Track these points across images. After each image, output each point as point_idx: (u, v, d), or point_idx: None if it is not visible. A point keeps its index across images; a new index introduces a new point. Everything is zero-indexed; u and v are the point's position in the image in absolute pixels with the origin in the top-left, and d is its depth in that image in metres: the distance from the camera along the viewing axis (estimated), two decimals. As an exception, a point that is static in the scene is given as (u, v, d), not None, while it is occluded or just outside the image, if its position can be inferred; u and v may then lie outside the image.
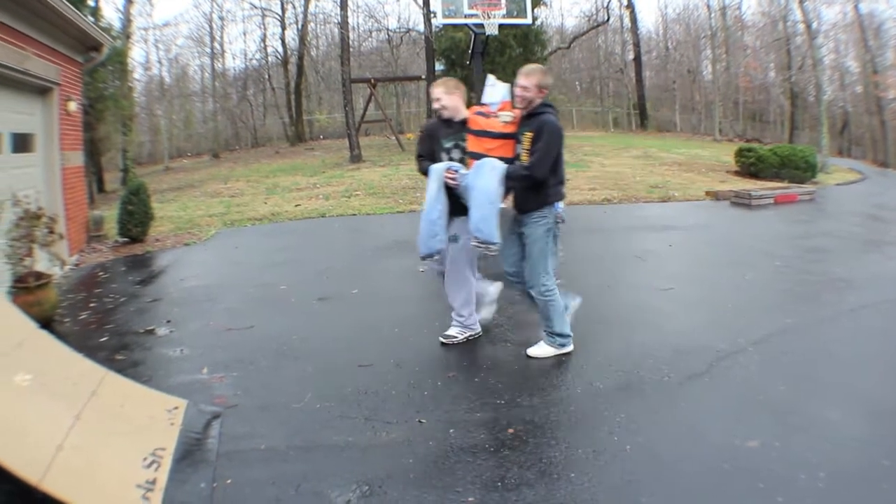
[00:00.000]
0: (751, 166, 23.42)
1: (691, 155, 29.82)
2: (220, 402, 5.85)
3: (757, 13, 54.18)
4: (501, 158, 6.22)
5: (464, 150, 6.54)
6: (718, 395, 5.67)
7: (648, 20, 74.31)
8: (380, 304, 8.52)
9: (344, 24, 33.20)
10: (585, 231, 12.79)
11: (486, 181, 6.03)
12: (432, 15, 30.92)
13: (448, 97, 6.68)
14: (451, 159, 6.61)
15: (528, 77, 6.21)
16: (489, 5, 15.92)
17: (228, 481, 4.53)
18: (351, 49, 35.82)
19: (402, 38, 49.85)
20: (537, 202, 6.28)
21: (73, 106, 13.34)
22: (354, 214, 16.69)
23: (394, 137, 37.45)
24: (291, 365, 6.64)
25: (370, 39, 51.80)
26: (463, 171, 6.34)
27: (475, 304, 7.04)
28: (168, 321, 8.36)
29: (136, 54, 48.02)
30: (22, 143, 11.54)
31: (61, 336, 6.72)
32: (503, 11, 16.00)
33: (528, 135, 6.18)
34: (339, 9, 34.91)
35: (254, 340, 7.45)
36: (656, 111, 54.86)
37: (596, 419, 5.19)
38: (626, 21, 55.09)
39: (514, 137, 6.34)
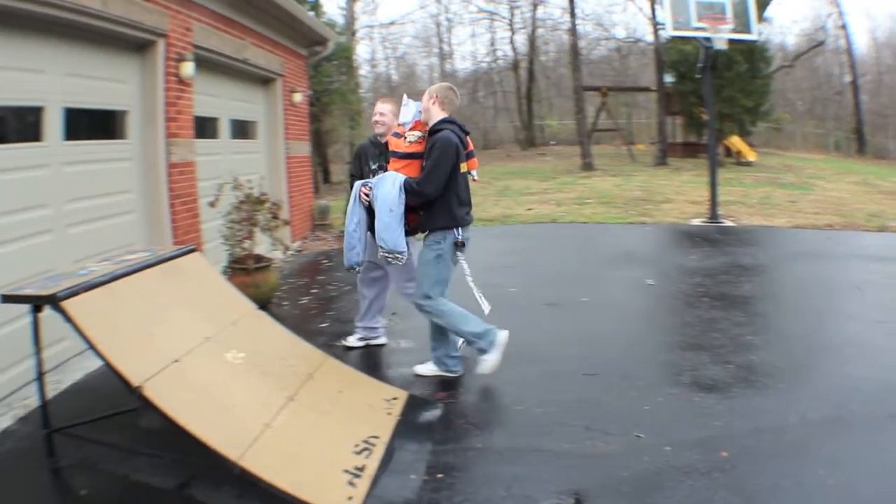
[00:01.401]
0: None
1: (906, 184, 28.08)
2: (440, 397, 5.80)
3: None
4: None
5: (386, 171, 6.37)
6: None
7: (862, 42, 69.99)
8: (608, 314, 8.15)
9: (573, 32, 32.83)
10: (809, 256, 11.85)
11: (385, 191, 5.90)
12: (661, 27, 30.33)
13: (390, 115, 6.68)
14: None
15: (430, 94, 6.05)
16: (716, 19, 15.31)
17: (440, 475, 4.46)
18: (580, 56, 35.33)
19: (630, 47, 49.07)
20: (432, 224, 6.05)
21: (298, 97, 13.61)
22: (585, 222, 16.16)
23: (625, 147, 36.76)
24: (516, 367, 6.38)
25: (599, 48, 51.06)
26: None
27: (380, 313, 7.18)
28: (394, 313, 8.18)
29: (361, 51, 48.57)
30: (243, 129, 11.89)
31: (279, 319, 6.63)
32: (730, 26, 15.34)
33: (426, 152, 6.01)
34: (567, 16, 34.59)
35: None
36: (872, 136, 52.14)
37: (804, 450, 4.86)
38: (842, 42, 52.69)
39: (420, 157, 6.10)
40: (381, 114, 6.66)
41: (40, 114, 6.52)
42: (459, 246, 6.03)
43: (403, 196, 5.85)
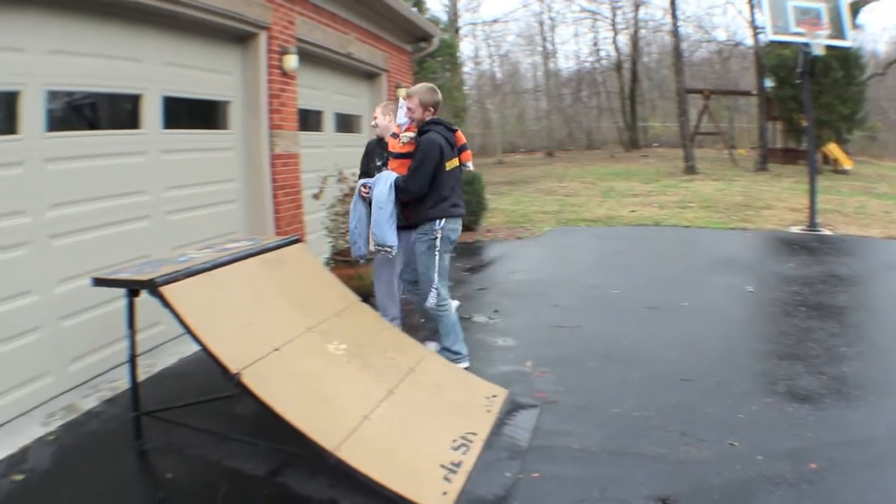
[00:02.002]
0: None
1: None
2: (540, 396, 5.75)
3: None
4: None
5: (388, 167, 6.87)
6: None
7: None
8: (708, 320, 8.06)
9: (675, 34, 32.47)
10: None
11: (378, 189, 6.38)
12: (760, 30, 29.86)
13: (382, 117, 7.18)
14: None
15: (411, 97, 6.50)
16: (813, 24, 14.98)
17: (535, 475, 4.48)
18: (682, 58, 34.87)
19: (730, 50, 48.33)
20: (420, 217, 6.43)
21: (403, 93, 13.33)
22: (687, 226, 15.94)
23: (726, 151, 36.16)
24: (616, 369, 6.44)
25: (700, 50, 50.37)
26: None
27: (395, 303, 7.30)
28: (496, 311, 8.35)
29: (465, 48, 48.89)
30: (346, 123, 12.03)
31: None
32: (827, 32, 14.97)
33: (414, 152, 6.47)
34: (669, 17, 34.26)
35: (581, 340, 7.28)
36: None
37: (891, 463, 4.79)
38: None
39: (411, 156, 6.52)
40: (374, 117, 7.23)
41: (139, 102, 6.64)
42: (437, 239, 6.36)
43: (393, 194, 6.33)
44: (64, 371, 5.70)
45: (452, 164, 6.42)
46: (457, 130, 6.59)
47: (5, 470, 4.52)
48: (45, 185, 5.52)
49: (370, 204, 6.59)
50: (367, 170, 7.18)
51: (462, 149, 6.60)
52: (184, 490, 4.31)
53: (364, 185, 6.67)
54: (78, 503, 4.19)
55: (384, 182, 6.33)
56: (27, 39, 5.37)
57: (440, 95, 6.60)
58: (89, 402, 5.54)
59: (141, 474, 4.60)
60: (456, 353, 6.43)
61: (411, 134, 6.59)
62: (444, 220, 6.34)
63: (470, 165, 6.85)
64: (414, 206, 6.42)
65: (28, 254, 5.39)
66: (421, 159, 6.21)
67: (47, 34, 5.56)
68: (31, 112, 5.40)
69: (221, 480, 4.34)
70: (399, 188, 6.30)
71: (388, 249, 6.34)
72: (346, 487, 4.05)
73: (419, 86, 6.60)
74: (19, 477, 4.44)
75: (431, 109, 6.43)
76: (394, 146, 6.71)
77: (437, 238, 6.34)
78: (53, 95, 5.72)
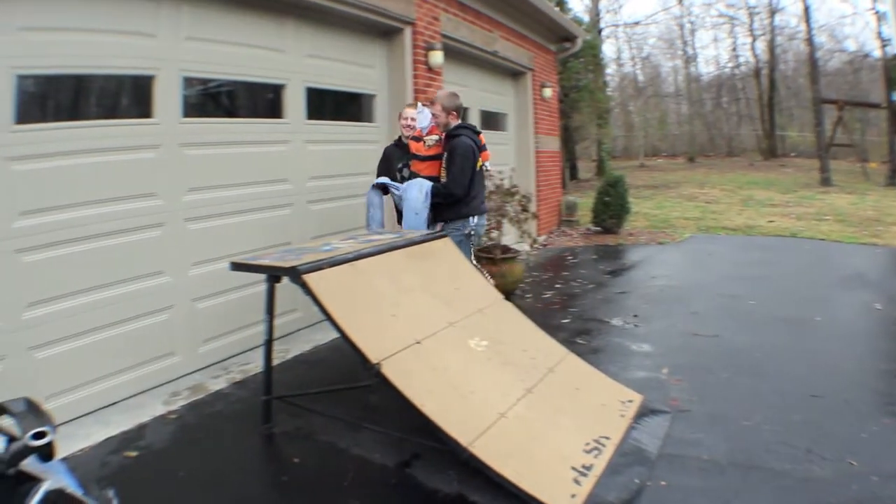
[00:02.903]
0: None
1: None
2: (673, 404, 5.64)
3: None
4: (429, 177, 6.84)
5: (410, 170, 7.19)
6: None
7: None
8: (838, 335, 7.81)
9: (810, 42, 31.70)
10: None
11: (412, 195, 6.67)
12: (887, 42, 29.01)
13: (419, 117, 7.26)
14: (402, 177, 7.19)
15: (434, 104, 6.83)
16: None
17: (662, 483, 4.42)
18: (818, 67, 34.00)
19: (861, 62, 46.82)
20: (452, 214, 6.77)
21: (548, 92, 13.67)
22: (823, 239, 15.57)
23: (859, 164, 35.11)
24: (749, 381, 6.25)
25: (833, 59, 48.86)
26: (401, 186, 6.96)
27: None
28: (635, 315, 8.26)
29: (607, 50, 48.13)
30: (491, 121, 12.06)
31: (521, 311, 6.61)
32: None
33: (445, 155, 6.81)
34: (803, 24, 33.44)
35: (717, 350, 7.12)
36: None
37: None
38: None
39: (439, 158, 6.92)
40: (413, 118, 7.25)
41: (281, 92, 6.83)
42: (470, 234, 6.83)
43: (429, 202, 6.66)
44: (194, 351, 5.88)
45: (479, 164, 6.79)
46: (480, 133, 6.92)
47: (117, 446, 4.66)
48: (180, 169, 5.69)
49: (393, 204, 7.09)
50: (390, 174, 7.29)
51: (482, 149, 6.86)
52: (309, 475, 4.37)
53: (389, 185, 6.92)
54: (194, 482, 4.29)
55: (418, 190, 6.64)
56: (159, 26, 5.53)
57: (461, 100, 6.92)
58: (217, 384, 5.69)
59: (265, 457, 4.72)
60: None
61: (436, 137, 6.91)
62: (475, 217, 6.81)
63: (488, 165, 7.26)
64: (446, 206, 6.72)
65: (161, 235, 5.57)
66: (460, 163, 6.58)
67: (183, 21, 5.73)
68: (166, 97, 5.56)
69: (348, 468, 4.38)
70: (440, 194, 6.62)
71: None
72: (474, 484, 4.04)
73: (441, 92, 6.96)
74: (133, 453, 4.56)
75: (455, 113, 6.76)
76: (419, 149, 6.97)
77: (467, 233, 6.75)
78: (190, 82, 5.90)
